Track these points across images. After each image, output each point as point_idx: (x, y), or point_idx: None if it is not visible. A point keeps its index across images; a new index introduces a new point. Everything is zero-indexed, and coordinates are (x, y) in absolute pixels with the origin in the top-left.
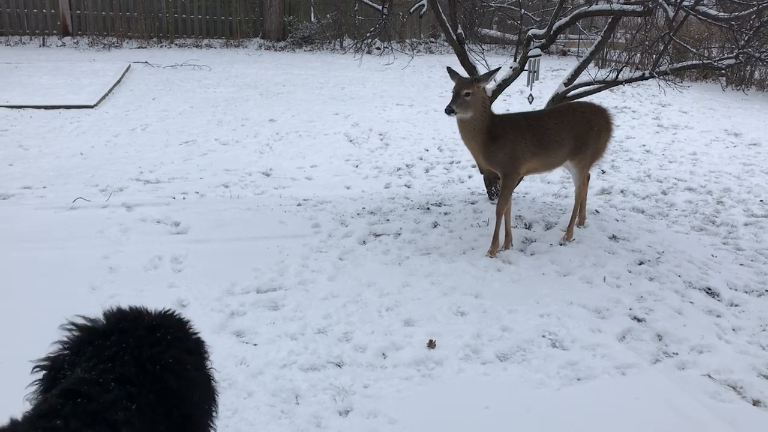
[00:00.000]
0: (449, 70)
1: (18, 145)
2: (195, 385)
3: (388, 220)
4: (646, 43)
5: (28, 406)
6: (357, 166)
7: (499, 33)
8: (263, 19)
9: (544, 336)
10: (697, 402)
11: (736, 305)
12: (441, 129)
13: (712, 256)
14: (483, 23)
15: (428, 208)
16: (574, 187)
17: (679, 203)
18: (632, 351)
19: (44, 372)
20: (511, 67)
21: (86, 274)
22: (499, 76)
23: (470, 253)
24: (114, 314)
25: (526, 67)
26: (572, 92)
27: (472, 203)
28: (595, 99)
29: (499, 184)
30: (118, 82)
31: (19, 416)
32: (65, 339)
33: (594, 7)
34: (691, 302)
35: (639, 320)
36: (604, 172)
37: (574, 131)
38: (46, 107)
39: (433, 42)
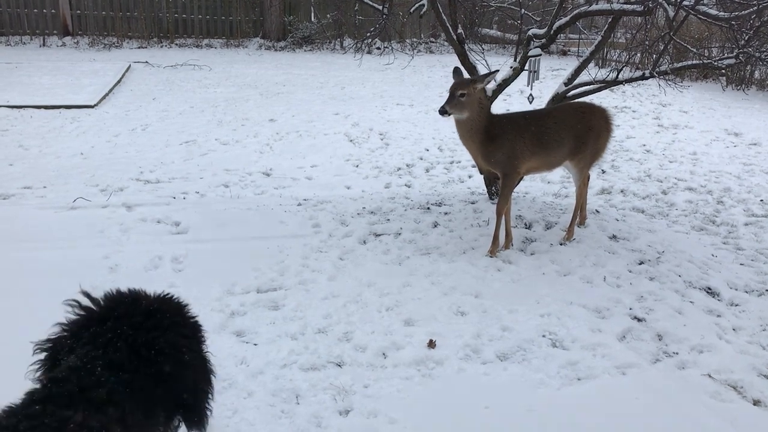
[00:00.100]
0: (456, 70)
1: (18, 145)
2: (190, 368)
3: (388, 219)
4: (647, 42)
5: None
6: (357, 166)
7: (499, 33)
8: (263, 19)
9: (544, 336)
10: (698, 402)
11: (737, 305)
12: (441, 129)
13: (713, 255)
14: (483, 23)
15: (428, 208)
16: (575, 187)
17: (679, 203)
18: (632, 351)
19: (45, 353)
20: (511, 67)
21: (86, 274)
22: (500, 76)
23: (470, 252)
24: (112, 298)
25: (527, 67)
26: (572, 92)
27: (473, 203)
28: (595, 99)
29: (499, 184)
30: (119, 82)
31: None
32: (65, 322)
33: (594, 7)
34: (691, 302)
35: (639, 320)
36: (604, 171)
37: (573, 131)
38: (46, 107)
39: (433, 42)
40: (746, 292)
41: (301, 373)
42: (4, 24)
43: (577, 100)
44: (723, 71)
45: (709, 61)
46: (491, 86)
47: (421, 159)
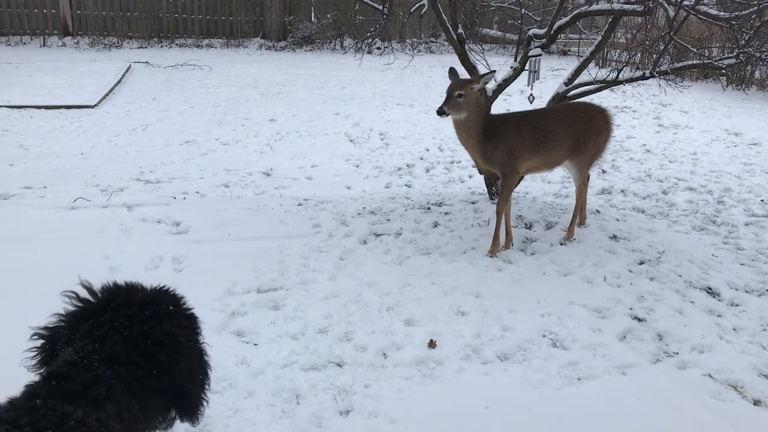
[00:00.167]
0: (451, 71)
1: (19, 145)
2: (186, 358)
3: (388, 219)
4: (647, 42)
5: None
6: (357, 166)
7: (499, 33)
8: (264, 19)
9: (544, 336)
10: (698, 402)
11: (737, 305)
12: (441, 129)
13: (713, 255)
14: (483, 23)
15: (429, 208)
16: (575, 188)
17: (679, 203)
18: (633, 351)
19: (42, 341)
20: (511, 67)
21: (87, 274)
22: (500, 76)
23: (471, 252)
24: (110, 289)
25: (527, 67)
26: (573, 92)
27: (473, 203)
28: (595, 99)
29: (499, 184)
30: (119, 82)
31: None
32: (63, 312)
33: (594, 7)
34: (691, 302)
35: (639, 320)
36: (604, 171)
37: (572, 131)
38: (46, 107)
39: (433, 42)
40: (747, 292)
41: (301, 373)
42: (5, 24)
43: (576, 100)
44: (723, 71)
45: (709, 61)
46: (491, 86)
47: (422, 159)
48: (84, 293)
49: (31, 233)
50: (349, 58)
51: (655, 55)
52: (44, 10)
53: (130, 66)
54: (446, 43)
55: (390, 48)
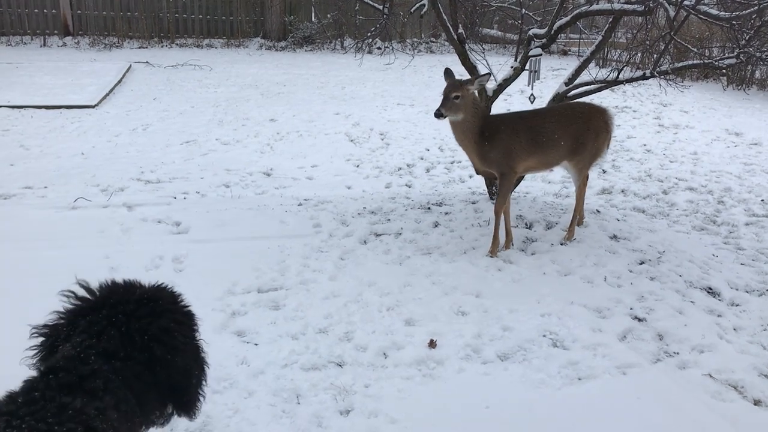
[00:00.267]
0: (447, 71)
1: (19, 145)
2: (182, 354)
3: (389, 219)
4: (647, 42)
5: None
6: (358, 166)
7: (499, 33)
8: (264, 19)
9: (545, 335)
10: (699, 402)
11: (737, 305)
12: (442, 129)
13: (713, 255)
14: (484, 23)
15: (429, 208)
16: (575, 188)
17: (680, 203)
18: (633, 351)
19: (42, 339)
20: (512, 67)
21: (87, 274)
22: (500, 76)
23: (471, 252)
24: (108, 287)
25: (527, 67)
26: (573, 92)
27: (473, 203)
28: (595, 98)
29: (497, 184)
30: (119, 82)
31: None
32: (62, 310)
33: (595, 7)
34: (692, 302)
35: (640, 320)
36: (605, 171)
37: (571, 131)
38: (47, 107)
39: (433, 42)
40: (747, 291)
41: (301, 372)
42: (5, 24)
43: (576, 100)
44: (724, 71)
45: (709, 60)
46: (491, 86)
47: (422, 159)
48: (82, 292)
49: (31, 233)
50: (350, 58)
51: (655, 55)
52: (44, 10)
53: (130, 66)
54: (446, 43)
55: (390, 48)
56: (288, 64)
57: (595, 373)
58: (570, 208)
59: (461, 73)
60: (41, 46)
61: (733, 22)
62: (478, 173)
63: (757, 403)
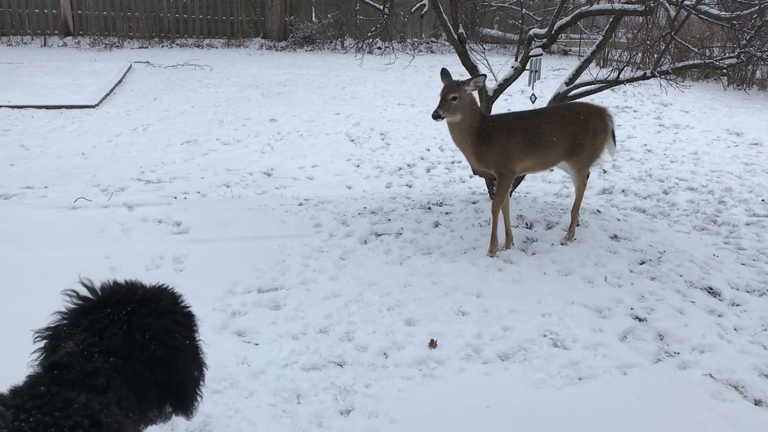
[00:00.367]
0: (443, 72)
1: (19, 145)
2: (182, 353)
3: (389, 219)
4: (648, 42)
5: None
6: (358, 166)
7: (500, 33)
8: (264, 19)
9: (545, 335)
10: (699, 402)
11: (738, 305)
12: (442, 129)
13: (714, 255)
14: (484, 23)
15: (429, 208)
16: (574, 188)
17: (680, 203)
18: (634, 351)
19: (45, 341)
20: (512, 67)
21: (87, 274)
22: (501, 76)
23: (471, 252)
24: (109, 287)
25: (528, 67)
26: (574, 92)
27: (474, 203)
28: (596, 98)
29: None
30: (120, 82)
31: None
32: (64, 310)
33: (595, 7)
34: (692, 302)
35: (640, 320)
36: (605, 171)
37: (568, 131)
38: (47, 107)
39: (434, 42)
40: (747, 291)
41: (302, 372)
42: (6, 24)
43: (574, 101)
44: (724, 71)
45: (710, 60)
46: (492, 86)
47: (422, 159)
48: (84, 291)
49: (32, 233)
50: (350, 57)
51: (656, 55)
52: (45, 10)
53: (130, 66)
54: (447, 43)
55: (391, 48)
56: (288, 64)
57: (595, 373)
58: (570, 209)
59: (461, 72)
60: (42, 46)
61: (734, 21)
62: (475, 173)
63: (757, 403)
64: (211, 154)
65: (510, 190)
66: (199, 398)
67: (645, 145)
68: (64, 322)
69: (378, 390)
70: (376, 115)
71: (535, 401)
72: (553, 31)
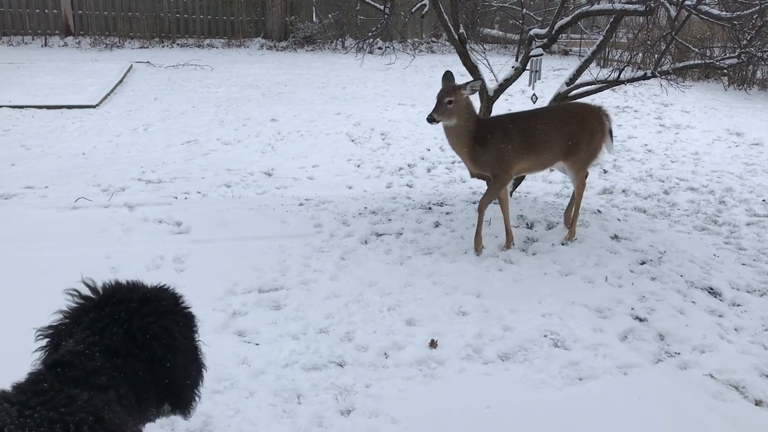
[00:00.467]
0: (445, 75)
1: (20, 145)
2: (181, 353)
3: (389, 219)
4: (648, 42)
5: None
6: (359, 166)
7: (500, 33)
8: (265, 19)
9: (545, 336)
10: (700, 402)
11: (739, 305)
12: (442, 129)
13: (714, 255)
14: (485, 23)
15: (430, 208)
16: (573, 188)
17: (681, 203)
18: (634, 351)
19: (47, 339)
20: (513, 67)
21: (88, 274)
22: (501, 76)
23: (472, 252)
24: (111, 287)
25: (528, 67)
26: (574, 92)
27: (474, 203)
28: (597, 98)
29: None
30: (120, 82)
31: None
32: (66, 309)
33: (596, 7)
34: (693, 302)
35: (641, 320)
36: (606, 171)
37: (564, 132)
38: (48, 107)
39: (434, 42)
40: (748, 292)
41: (302, 372)
42: (6, 24)
43: (570, 101)
44: (725, 71)
45: (711, 60)
46: (493, 86)
47: (423, 159)
48: (86, 291)
49: (32, 233)
50: (351, 58)
51: (656, 55)
52: (46, 10)
53: (131, 66)
54: (447, 43)
55: (391, 48)
56: (289, 64)
57: (596, 373)
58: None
59: (462, 72)
60: (42, 46)
61: (735, 22)
62: (473, 176)
63: (758, 403)
64: (211, 154)
65: (510, 190)
66: (197, 398)
67: (645, 145)
68: (66, 320)
69: (378, 390)
70: (377, 115)
71: (535, 401)
72: (553, 31)
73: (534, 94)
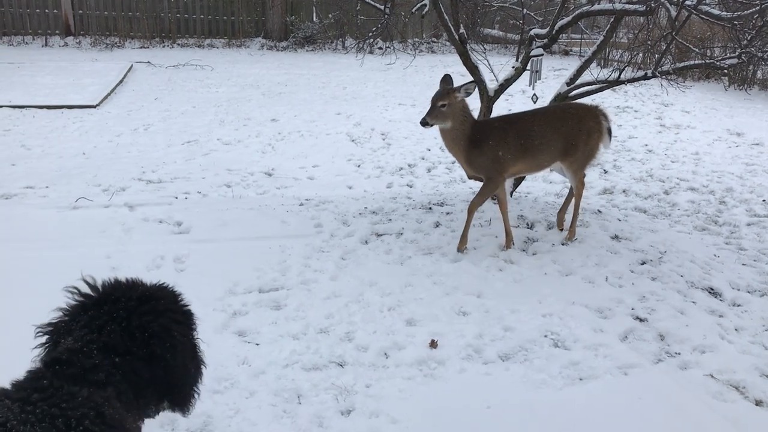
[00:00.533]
0: (444, 78)
1: (20, 145)
2: (180, 351)
3: (390, 219)
4: (649, 42)
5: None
6: (359, 166)
7: (501, 33)
8: (265, 19)
9: (546, 336)
10: (700, 402)
11: (739, 305)
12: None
13: (715, 256)
14: (485, 23)
15: (430, 208)
16: (572, 188)
17: (681, 203)
18: (634, 351)
19: (47, 336)
20: (513, 67)
21: (88, 273)
22: (502, 76)
23: (472, 252)
24: (110, 284)
25: (529, 67)
26: (575, 92)
27: None
28: (597, 98)
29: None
30: (121, 82)
31: None
32: (65, 307)
33: (596, 7)
34: (693, 302)
35: (641, 320)
36: (606, 171)
37: (561, 133)
38: (48, 107)
39: (435, 42)
40: (748, 292)
41: (303, 372)
42: (7, 24)
43: (567, 102)
44: (725, 71)
45: (711, 61)
46: (493, 86)
47: (423, 159)
48: (85, 288)
49: (33, 233)
50: (351, 58)
51: (656, 55)
52: (46, 10)
53: (131, 66)
54: (448, 43)
55: (392, 48)
56: (289, 64)
57: (596, 373)
58: (570, 209)
59: (463, 73)
60: (43, 46)
61: (735, 22)
62: (469, 178)
63: (758, 403)
64: (212, 154)
65: (510, 190)
66: (196, 395)
67: (646, 145)
68: (65, 318)
69: (379, 390)
70: (377, 115)
71: (535, 401)
72: (554, 32)
73: (534, 95)
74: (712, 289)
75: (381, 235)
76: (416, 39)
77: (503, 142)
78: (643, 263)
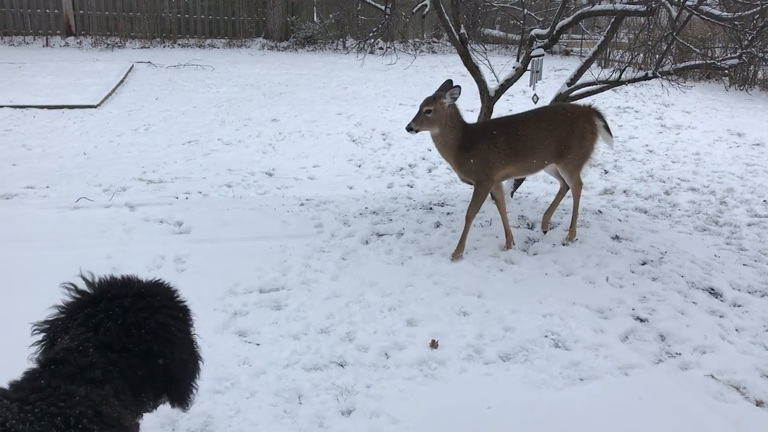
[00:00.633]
0: (444, 85)
1: (21, 145)
2: (178, 347)
3: (390, 220)
4: (649, 42)
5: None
6: (360, 166)
7: (501, 33)
8: (266, 19)
9: (546, 336)
10: (700, 402)
11: (739, 305)
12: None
13: (715, 256)
14: (486, 23)
15: (431, 208)
16: (570, 189)
17: (682, 203)
18: (635, 351)
19: (44, 334)
20: (514, 67)
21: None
22: (502, 77)
23: (473, 253)
24: (106, 281)
25: (529, 67)
26: (575, 92)
27: None
28: (597, 99)
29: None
30: (122, 82)
31: None
32: (62, 304)
33: (597, 7)
34: (694, 302)
35: (642, 320)
36: (606, 172)
37: (554, 135)
38: (49, 107)
39: (435, 42)
40: (749, 292)
41: (303, 373)
42: (8, 24)
43: (560, 103)
44: (726, 71)
45: (712, 61)
46: (494, 86)
47: (424, 159)
48: (82, 285)
49: (33, 233)
50: (352, 58)
51: (657, 56)
52: (47, 10)
53: (132, 66)
54: (448, 44)
55: (392, 48)
56: (290, 64)
57: (596, 373)
58: (571, 209)
59: (464, 73)
60: (44, 46)
61: (736, 22)
62: (462, 181)
63: (759, 403)
64: (212, 154)
65: (511, 191)
66: (195, 391)
67: (646, 145)
68: (62, 315)
69: (379, 390)
70: (378, 115)
71: (536, 402)
72: (554, 32)
73: (535, 95)
74: (712, 289)
75: (382, 235)
76: (417, 39)
77: (493, 146)
78: (644, 263)
